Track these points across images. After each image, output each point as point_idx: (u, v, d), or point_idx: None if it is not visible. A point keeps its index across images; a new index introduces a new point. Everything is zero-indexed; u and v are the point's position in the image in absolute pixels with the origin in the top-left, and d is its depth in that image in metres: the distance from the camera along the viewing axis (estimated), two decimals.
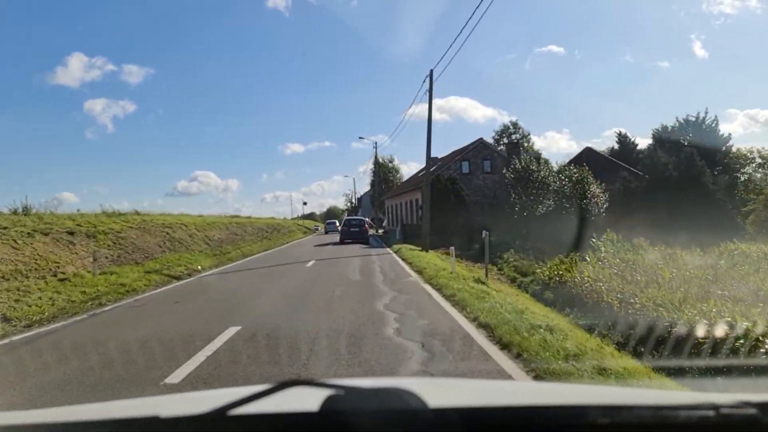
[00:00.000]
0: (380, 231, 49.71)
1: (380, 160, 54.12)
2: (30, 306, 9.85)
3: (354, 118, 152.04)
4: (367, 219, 41.00)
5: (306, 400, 1.09)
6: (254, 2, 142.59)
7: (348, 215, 57.64)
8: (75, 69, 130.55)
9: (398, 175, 65.00)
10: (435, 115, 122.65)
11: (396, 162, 69.11)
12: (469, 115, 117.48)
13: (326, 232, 50.91)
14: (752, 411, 1.01)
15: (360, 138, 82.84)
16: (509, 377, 4.78)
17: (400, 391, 1.07)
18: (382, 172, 56.48)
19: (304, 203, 66.88)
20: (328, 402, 1.05)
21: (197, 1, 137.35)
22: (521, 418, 1.09)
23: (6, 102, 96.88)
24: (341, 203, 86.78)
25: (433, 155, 30.25)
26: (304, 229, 58.73)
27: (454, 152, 40.92)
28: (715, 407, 1.02)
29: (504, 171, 31.72)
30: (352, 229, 30.64)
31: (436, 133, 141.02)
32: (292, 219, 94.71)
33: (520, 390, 1.65)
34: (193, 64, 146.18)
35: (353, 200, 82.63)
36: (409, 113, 77.98)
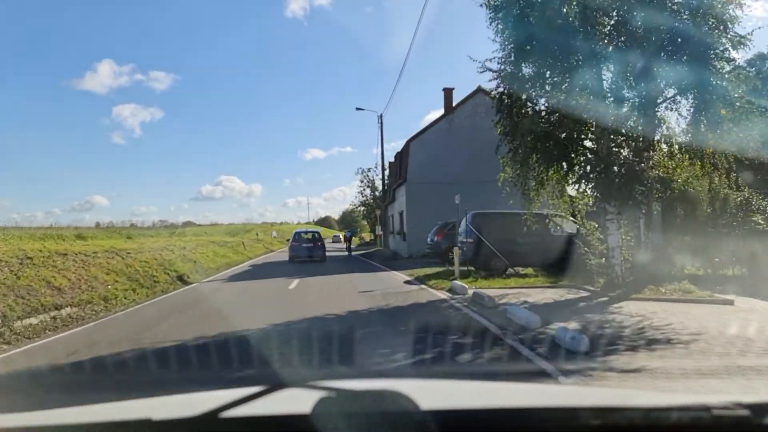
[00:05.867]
0: None
1: None
2: None
3: (375, 124, 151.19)
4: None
5: (298, 402, 1.08)
6: (273, 11, 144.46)
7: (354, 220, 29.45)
8: (104, 75, 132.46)
9: None
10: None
11: None
12: None
13: None
14: (744, 412, 1.01)
15: None
16: None
17: (391, 393, 1.07)
18: None
19: None
20: (319, 404, 1.04)
21: (220, 10, 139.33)
22: (512, 420, 1.09)
23: (37, 106, 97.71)
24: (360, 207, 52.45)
25: None
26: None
27: None
28: (707, 408, 1.01)
29: None
30: (304, 245, 24.70)
31: None
32: (306, 223, 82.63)
33: (511, 392, 1.65)
34: (218, 71, 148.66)
35: (381, 179, 32.70)
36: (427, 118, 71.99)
